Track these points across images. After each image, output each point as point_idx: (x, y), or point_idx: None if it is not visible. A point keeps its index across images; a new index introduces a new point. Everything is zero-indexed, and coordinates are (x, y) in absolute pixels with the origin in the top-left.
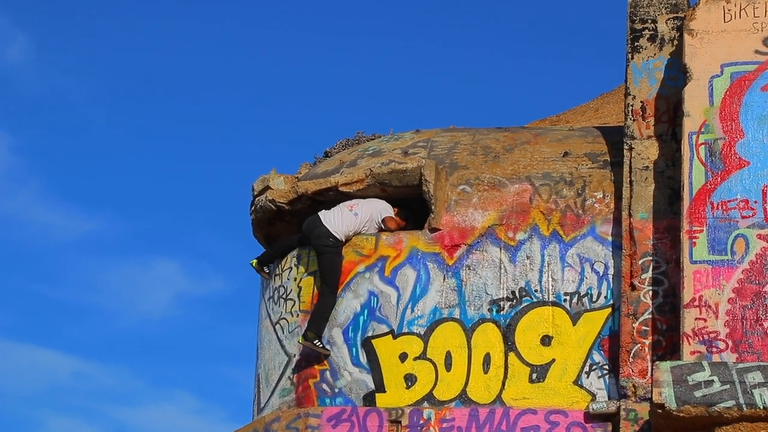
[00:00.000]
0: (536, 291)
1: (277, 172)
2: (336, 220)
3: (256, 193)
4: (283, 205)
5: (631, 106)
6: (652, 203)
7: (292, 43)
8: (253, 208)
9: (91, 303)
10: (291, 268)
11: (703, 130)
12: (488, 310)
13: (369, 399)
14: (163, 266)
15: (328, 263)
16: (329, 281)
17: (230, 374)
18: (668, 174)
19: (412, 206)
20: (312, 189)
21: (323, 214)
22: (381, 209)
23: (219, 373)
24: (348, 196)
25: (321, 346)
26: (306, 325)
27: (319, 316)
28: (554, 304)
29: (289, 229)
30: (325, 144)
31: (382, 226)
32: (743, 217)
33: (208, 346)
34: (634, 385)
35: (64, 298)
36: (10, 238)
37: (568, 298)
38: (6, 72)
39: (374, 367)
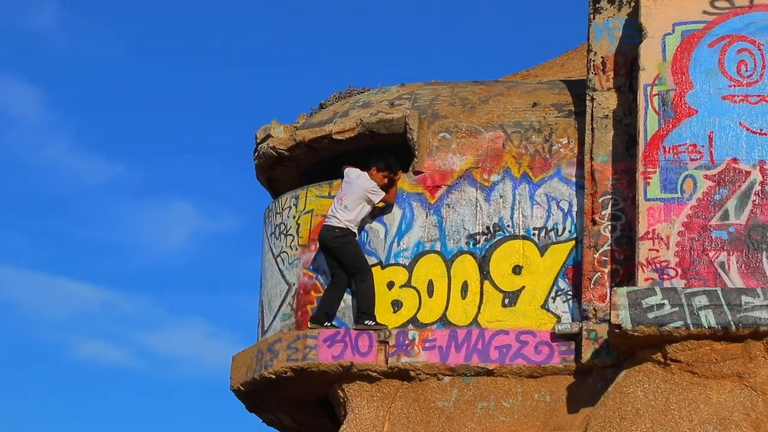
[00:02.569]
0: (508, 226)
1: (278, 122)
2: (336, 216)
3: (258, 140)
4: (283, 151)
5: (593, 61)
6: (611, 148)
7: (294, 5)
8: (256, 154)
9: (118, 240)
10: (290, 207)
11: (656, 82)
12: (466, 243)
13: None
14: (180, 207)
15: (347, 251)
16: (358, 266)
17: (239, 302)
18: (626, 122)
19: (387, 157)
20: (309, 137)
21: (327, 220)
22: (365, 187)
23: (229, 301)
24: (340, 144)
25: (374, 324)
26: (357, 313)
27: (364, 301)
28: (524, 237)
29: (288, 174)
30: (320, 96)
31: (382, 194)
32: (692, 160)
33: (220, 278)
34: (594, 309)
35: (93, 236)
36: (45, 183)
37: (536, 232)
38: (36, 35)
39: None
